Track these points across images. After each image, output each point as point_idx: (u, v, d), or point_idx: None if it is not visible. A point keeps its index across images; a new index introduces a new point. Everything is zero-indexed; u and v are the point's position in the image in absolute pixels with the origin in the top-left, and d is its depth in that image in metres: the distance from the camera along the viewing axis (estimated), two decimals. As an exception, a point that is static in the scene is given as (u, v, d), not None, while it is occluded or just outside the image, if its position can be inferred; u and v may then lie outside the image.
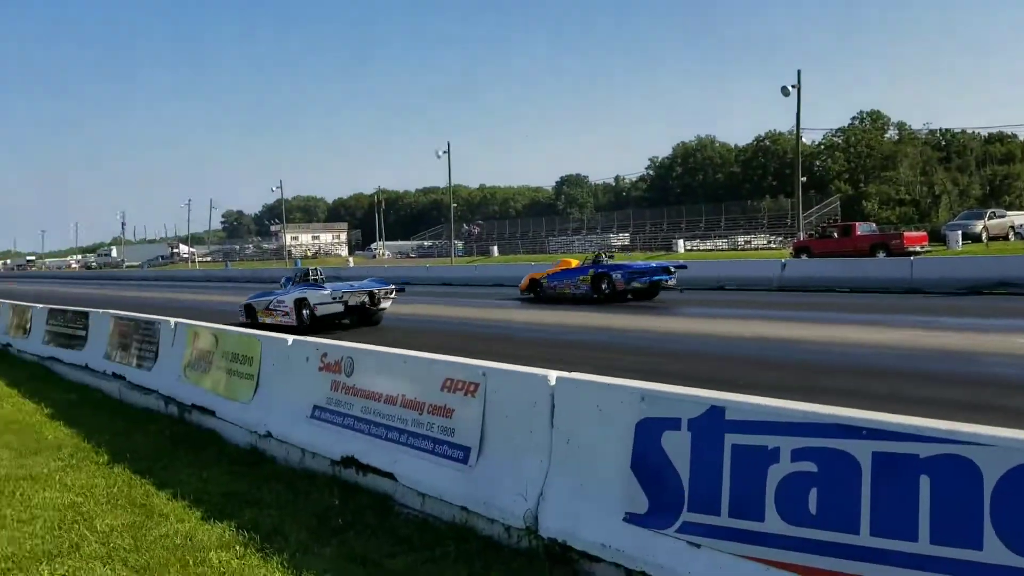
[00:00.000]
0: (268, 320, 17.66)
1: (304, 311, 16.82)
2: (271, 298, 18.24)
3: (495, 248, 79.91)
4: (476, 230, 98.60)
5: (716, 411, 3.70)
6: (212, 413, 8.01)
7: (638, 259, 34.23)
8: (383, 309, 17.29)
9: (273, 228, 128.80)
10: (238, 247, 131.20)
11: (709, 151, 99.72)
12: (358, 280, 20.00)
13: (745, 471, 3.53)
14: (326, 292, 16.62)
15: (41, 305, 15.73)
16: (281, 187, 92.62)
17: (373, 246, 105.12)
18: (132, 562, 4.62)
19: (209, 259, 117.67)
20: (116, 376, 10.78)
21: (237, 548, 4.73)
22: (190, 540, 4.90)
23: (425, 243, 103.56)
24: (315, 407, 6.52)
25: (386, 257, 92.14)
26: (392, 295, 17.38)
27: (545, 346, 13.03)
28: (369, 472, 5.63)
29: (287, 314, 17.21)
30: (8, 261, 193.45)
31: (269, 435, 6.92)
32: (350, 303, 16.57)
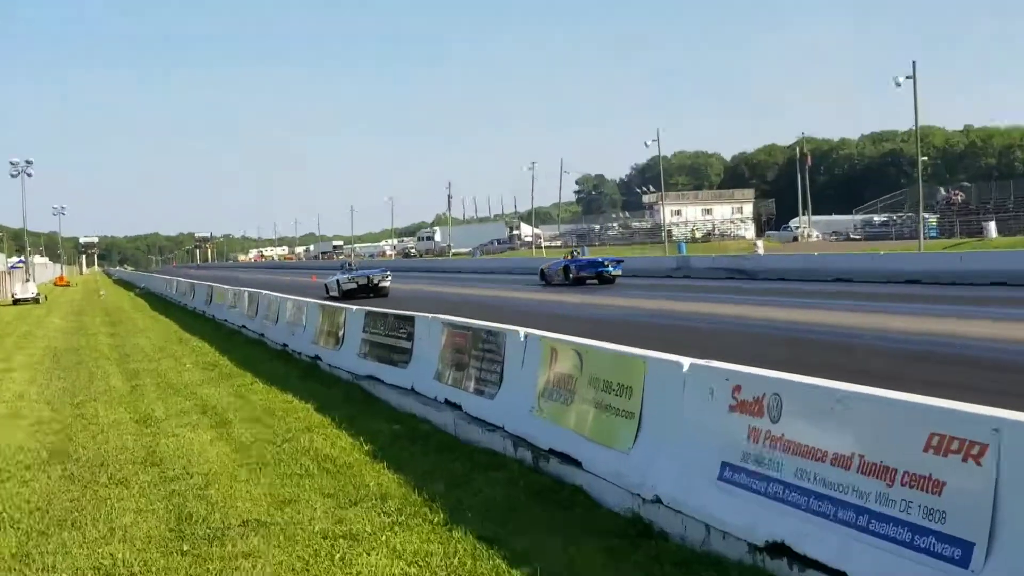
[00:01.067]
0: (331, 293, 40.83)
1: (340, 288, 40.89)
2: (331, 280, 43.46)
3: (991, 224, 75.16)
4: (959, 197, 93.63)
5: None
6: (577, 464, 8.50)
7: None
8: (384, 286, 41.59)
9: (646, 199, 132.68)
10: (597, 226, 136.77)
11: None
12: (372, 269, 47.32)
13: None
14: (346, 277, 41.97)
15: (356, 307, 17.75)
16: (658, 139, 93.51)
17: (793, 223, 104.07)
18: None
19: (559, 243, 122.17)
20: (449, 404, 11.89)
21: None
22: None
23: (875, 217, 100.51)
24: (725, 464, 6.66)
25: (813, 238, 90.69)
26: (387, 279, 42.21)
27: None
28: (808, 567, 5.63)
29: (334, 290, 41.22)
30: (311, 247, 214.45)
31: (658, 500, 7.18)
32: (360, 283, 41.21)
